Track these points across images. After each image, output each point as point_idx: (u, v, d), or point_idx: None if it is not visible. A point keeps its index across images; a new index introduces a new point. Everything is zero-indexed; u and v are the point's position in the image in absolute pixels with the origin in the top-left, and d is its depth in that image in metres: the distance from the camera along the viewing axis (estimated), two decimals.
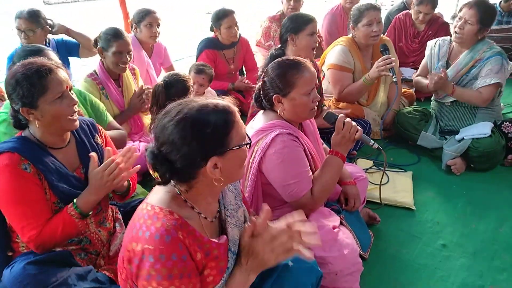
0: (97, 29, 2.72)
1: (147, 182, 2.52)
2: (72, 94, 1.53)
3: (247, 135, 1.17)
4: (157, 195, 1.15)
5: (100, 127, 1.78)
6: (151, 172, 1.13)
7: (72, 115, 1.52)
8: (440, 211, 2.46)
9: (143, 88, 2.80)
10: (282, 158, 1.72)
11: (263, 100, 1.85)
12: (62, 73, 1.51)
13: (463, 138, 2.78)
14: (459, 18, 2.79)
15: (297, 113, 1.79)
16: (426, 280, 1.95)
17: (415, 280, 1.96)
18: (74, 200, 1.50)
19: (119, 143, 2.19)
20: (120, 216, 1.79)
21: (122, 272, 1.15)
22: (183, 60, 5.60)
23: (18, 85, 1.42)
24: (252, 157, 1.78)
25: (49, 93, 1.44)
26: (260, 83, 1.87)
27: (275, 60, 1.85)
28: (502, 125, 2.87)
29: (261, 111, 1.92)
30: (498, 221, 2.35)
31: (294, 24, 2.63)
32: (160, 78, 3.60)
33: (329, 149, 1.85)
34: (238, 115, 1.14)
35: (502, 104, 3.33)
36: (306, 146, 1.84)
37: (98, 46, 2.61)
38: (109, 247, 1.67)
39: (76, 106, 1.54)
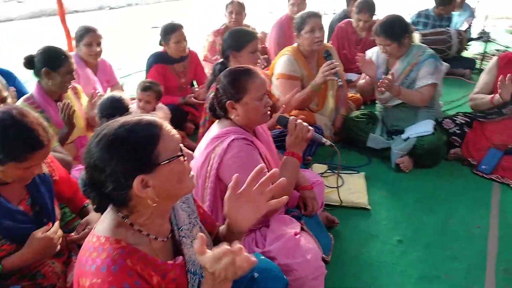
0: (37, 47, 2.56)
1: None
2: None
3: (182, 147, 1.09)
4: (103, 224, 1.08)
5: None
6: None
7: None
8: (393, 208, 2.57)
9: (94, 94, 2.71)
10: (239, 162, 1.73)
11: (217, 108, 1.87)
12: None
13: (408, 137, 2.94)
14: (379, 44, 3.00)
15: (250, 118, 1.82)
16: (387, 276, 2.03)
17: (377, 277, 2.03)
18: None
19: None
20: (74, 245, 1.70)
21: None
22: (131, 76, 5.47)
23: None
24: (210, 164, 1.78)
25: None
26: (213, 92, 1.88)
27: (226, 69, 1.89)
28: (443, 122, 3.07)
29: (216, 121, 1.93)
30: (446, 213, 2.50)
31: (236, 41, 2.55)
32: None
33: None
34: (167, 128, 1.07)
35: (441, 102, 3.57)
36: (261, 151, 1.87)
37: (44, 68, 2.37)
38: (65, 279, 1.58)
39: None
